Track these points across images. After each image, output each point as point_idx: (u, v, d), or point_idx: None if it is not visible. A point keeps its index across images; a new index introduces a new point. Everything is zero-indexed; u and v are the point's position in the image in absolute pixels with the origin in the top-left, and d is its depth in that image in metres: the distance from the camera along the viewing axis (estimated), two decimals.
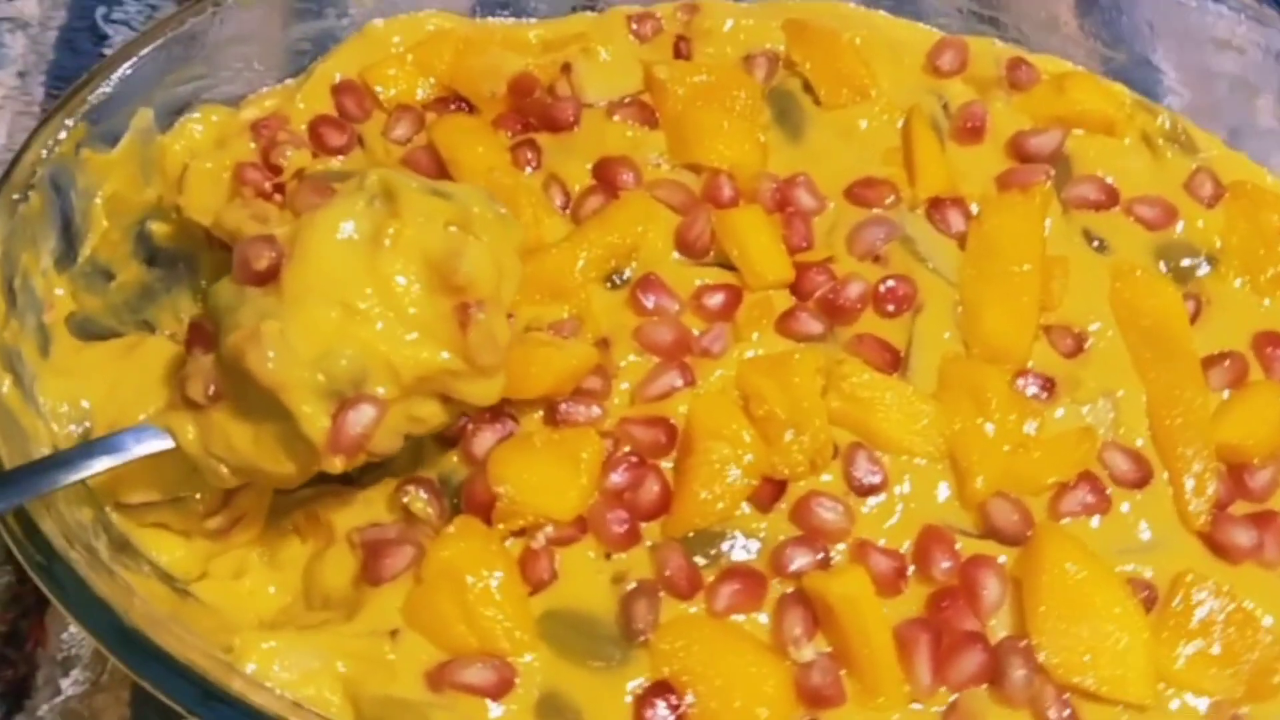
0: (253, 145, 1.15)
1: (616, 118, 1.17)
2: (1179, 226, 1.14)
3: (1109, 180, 1.15)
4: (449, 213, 0.90)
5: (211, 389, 0.91)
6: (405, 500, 0.99)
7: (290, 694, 0.88)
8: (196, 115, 1.16)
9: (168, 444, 0.93)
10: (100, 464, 0.92)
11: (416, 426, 0.92)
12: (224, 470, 0.93)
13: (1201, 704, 0.93)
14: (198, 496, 0.99)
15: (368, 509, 1.01)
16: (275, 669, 0.89)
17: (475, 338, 0.88)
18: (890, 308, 1.07)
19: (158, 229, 1.17)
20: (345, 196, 0.92)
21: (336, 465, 0.88)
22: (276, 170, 1.14)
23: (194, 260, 1.19)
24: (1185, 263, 1.12)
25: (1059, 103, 1.19)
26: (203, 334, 0.97)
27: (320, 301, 0.88)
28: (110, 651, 0.82)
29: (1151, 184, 1.16)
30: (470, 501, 0.97)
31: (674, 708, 0.89)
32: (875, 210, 1.13)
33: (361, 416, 0.88)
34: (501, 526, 0.95)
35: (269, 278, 0.89)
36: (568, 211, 1.13)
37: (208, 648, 0.88)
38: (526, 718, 0.89)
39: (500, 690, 0.90)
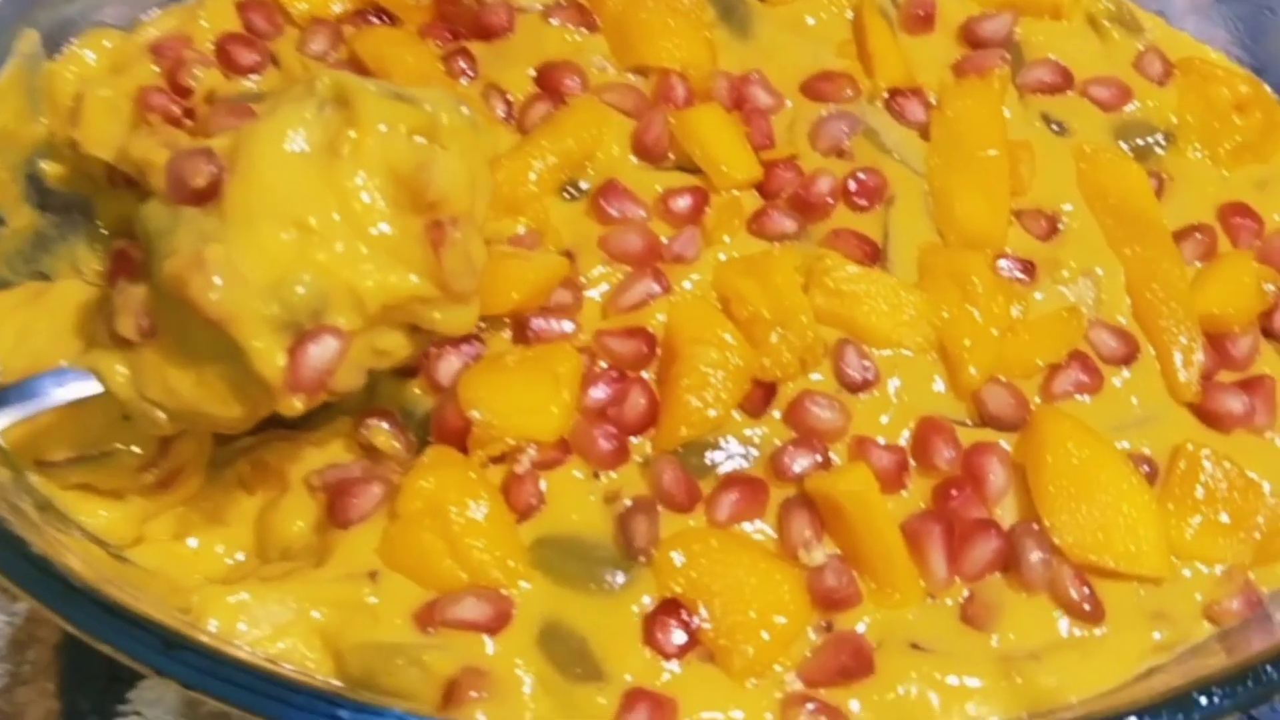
0: (155, 68, 1.05)
1: (554, 21, 1.10)
2: (1133, 106, 1.12)
3: (1061, 62, 1.13)
4: (414, 120, 0.80)
5: (144, 324, 0.80)
6: (367, 434, 0.90)
7: (261, 651, 0.80)
8: (85, 38, 1.05)
9: (94, 387, 0.82)
10: (14, 413, 0.81)
11: (381, 360, 0.83)
12: (160, 416, 0.82)
13: (1213, 572, 0.91)
14: (134, 449, 0.89)
15: (323, 451, 0.93)
16: (241, 626, 0.81)
17: (450, 260, 0.79)
18: (862, 201, 1.03)
19: (50, 169, 1.06)
20: (293, 102, 0.81)
21: (296, 406, 0.79)
22: (185, 93, 1.04)
23: (90, 205, 1.07)
24: (1143, 141, 1.11)
25: None
26: (129, 262, 0.85)
27: (271, 221, 0.78)
28: (56, 611, 0.72)
29: (1102, 65, 1.14)
30: (441, 430, 0.90)
31: (687, 625, 0.84)
32: (834, 105, 1.09)
33: (323, 351, 0.78)
34: (479, 453, 0.88)
35: (208, 196, 0.78)
36: (512, 121, 1.05)
37: (163, 609, 0.79)
38: (528, 650, 0.82)
39: (498, 624, 0.83)
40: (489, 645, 0.83)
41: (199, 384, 0.81)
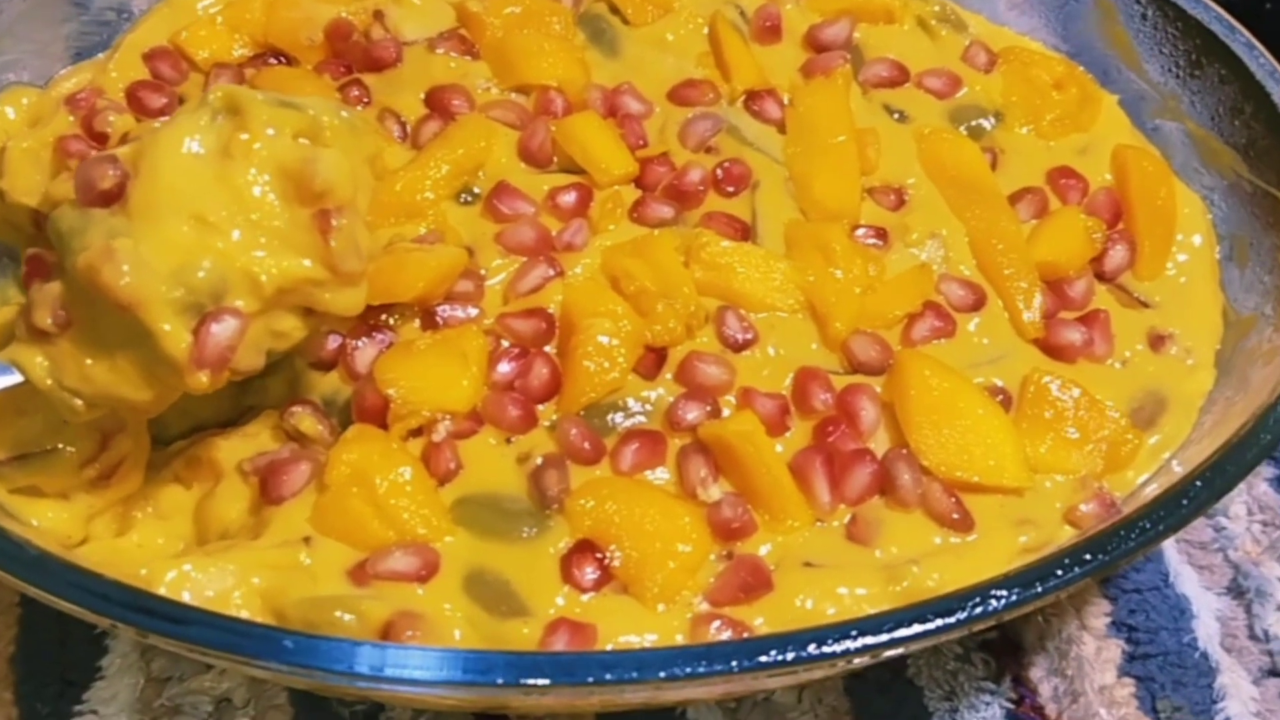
0: (71, 118, 1.13)
1: (439, 51, 1.21)
2: (964, 92, 1.26)
3: (897, 59, 1.26)
4: (298, 123, 0.89)
5: (60, 316, 0.87)
6: (292, 421, 0.98)
7: None
8: (4, 96, 1.13)
9: (15, 378, 0.89)
10: None
11: (278, 341, 0.91)
12: (78, 403, 0.89)
13: (1069, 481, 1.02)
14: (70, 450, 0.95)
15: (252, 442, 1.00)
16: (186, 595, 0.86)
17: (338, 244, 0.87)
18: (730, 188, 1.14)
19: None
20: (188, 113, 0.90)
21: (202, 381, 0.86)
22: (101, 139, 1.12)
23: (17, 251, 1.14)
24: (976, 122, 1.24)
25: None
26: (42, 265, 0.91)
27: (172, 215, 0.86)
28: (25, 580, 0.78)
29: (934, 60, 1.28)
30: (362, 410, 0.97)
31: (600, 562, 0.92)
32: (699, 108, 1.20)
33: (225, 328, 0.86)
34: (398, 427, 0.96)
35: (114, 197, 0.86)
36: (407, 141, 1.15)
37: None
38: (456, 595, 0.90)
39: (427, 573, 0.90)
40: (420, 592, 0.90)
41: (112, 370, 0.88)
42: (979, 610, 0.80)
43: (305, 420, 0.98)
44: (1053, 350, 1.09)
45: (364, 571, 0.89)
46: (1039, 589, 0.83)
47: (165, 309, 0.83)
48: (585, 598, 0.91)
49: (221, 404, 1.08)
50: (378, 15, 1.23)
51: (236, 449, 0.99)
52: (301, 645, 0.76)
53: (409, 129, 1.15)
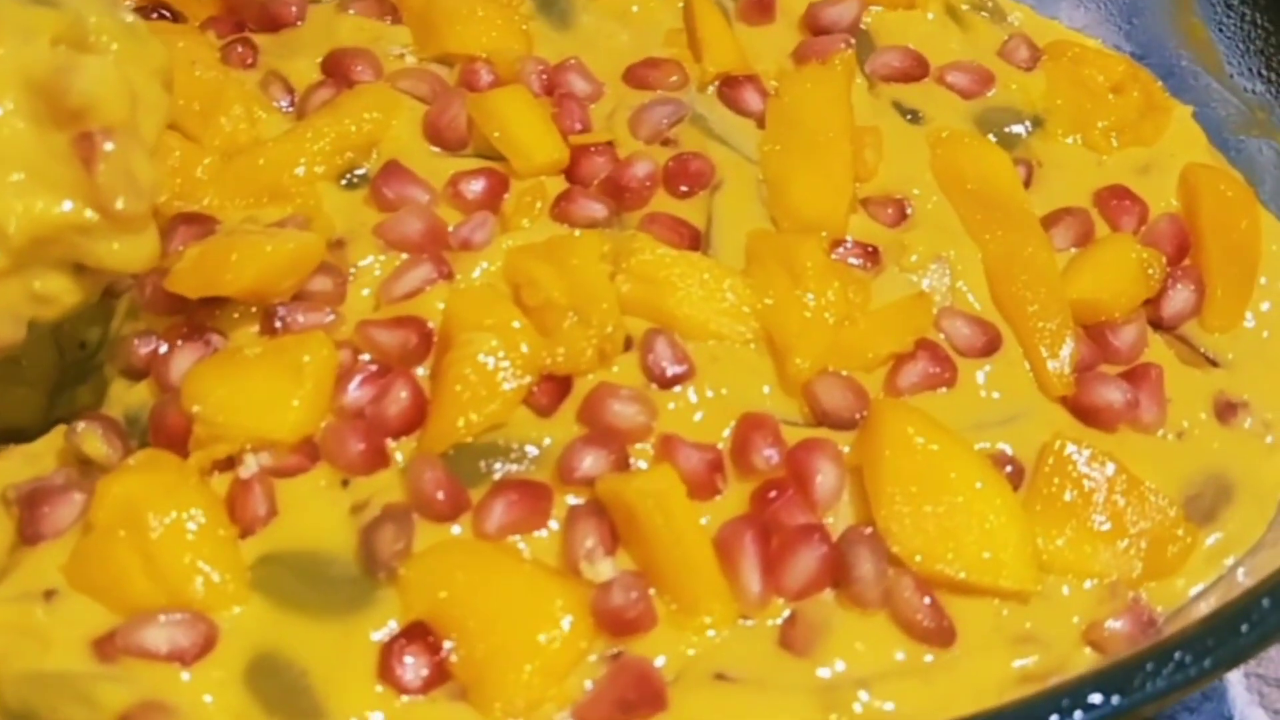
0: None
1: (351, 12, 1.00)
2: (994, 92, 1.01)
3: (915, 49, 1.03)
4: (55, 25, 0.69)
5: None
6: (76, 439, 0.76)
7: None
8: None
9: None
10: None
11: (44, 308, 0.71)
12: None
13: (1093, 587, 0.76)
14: None
15: (33, 463, 0.79)
16: None
17: (105, 174, 0.67)
18: (683, 187, 0.91)
19: None
20: None
21: None
22: None
23: None
24: (1009, 129, 0.99)
25: None
26: None
27: None
28: None
29: (962, 53, 1.04)
30: (160, 431, 0.76)
31: (432, 656, 0.68)
32: (660, 92, 0.98)
33: None
34: (199, 455, 0.74)
35: None
36: (291, 110, 0.94)
37: None
38: (230, 685, 0.67)
39: (196, 653, 0.67)
40: (184, 677, 0.67)
41: None
42: None
43: (90, 439, 0.76)
44: (1085, 413, 0.84)
45: (114, 643, 0.67)
46: None
47: None
48: (404, 701, 0.67)
49: (28, 411, 0.88)
50: None
51: (10, 471, 0.78)
52: None
53: (296, 97, 0.95)
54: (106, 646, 0.68)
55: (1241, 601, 0.66)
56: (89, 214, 0.67)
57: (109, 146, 0.67)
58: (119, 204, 0.67)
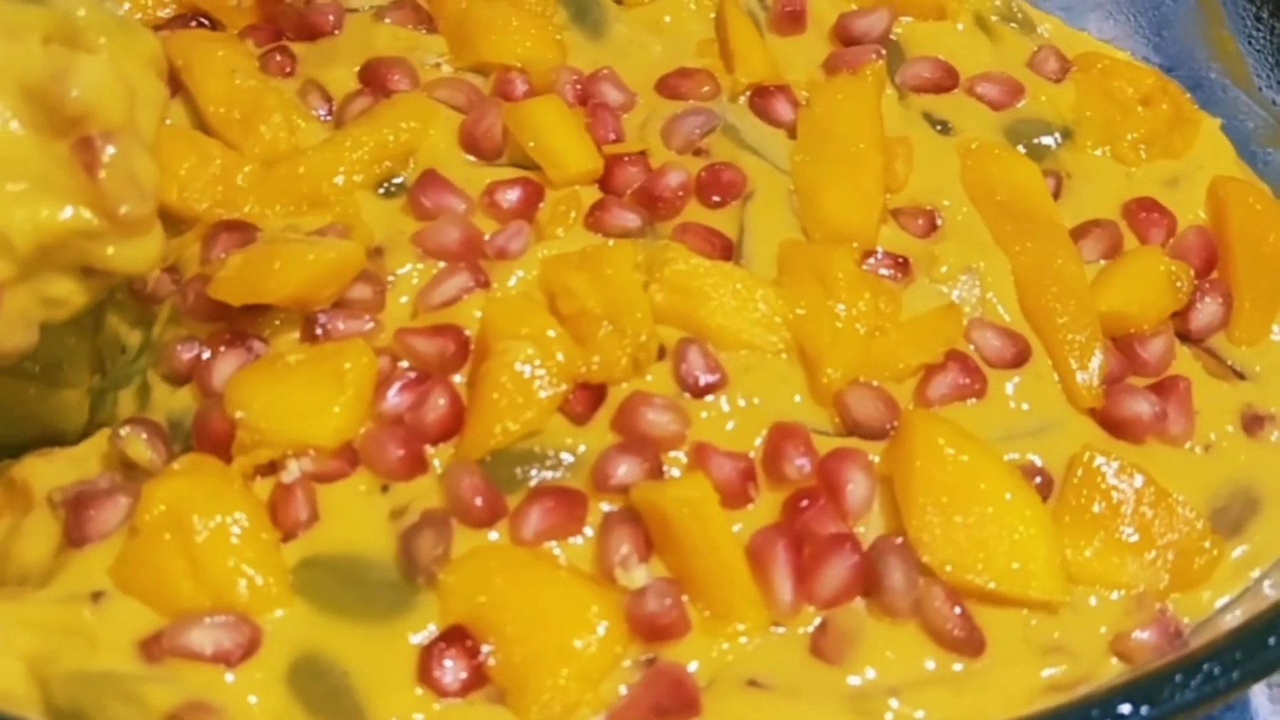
0: None
1: (388, 21, 1.01)
2: (1024, 103, 1.02)
3: (945, 60, 1.03)
4: (45, 23, 0.69)
5: None
6: (120, 444, 0.78)
7: None
8: None
9: None
10: None
11: (54, 310, 0.72)
12: None
13: (1120, 598, 0.77)
14: None
15: (77, 467, 0.80)
16: None
17: (109, 180, 0.67)
18: (715, 197, 0.92)
19: None
20: None
21: None
22: None
23: None
24: (1038, 140, 1.00)
25: None
26: None
27: None
28: None
29: (992, 64, 1.04)
30: (203, 436, 0.77)
31: (471, 660, 0.70)
32: (692, 102, 0.99)
33: None
34: (243, 461, 0.76)
35: None
36: (330, 118, 0.96)
37: None
38: (274, 686, 0.69)
39: (242, 653, 0.69)
40: (229, 678, 0.69)
41: None
42: None
43: (135, 443, 0.77)
44: (1114, 425, 0.84)
45: (160, 644, 0.69)
46: None
47: None
48: (443, 705, 0.69)
49: (70, 415, 0.90)
50: None
51: (55, 474, 0.79)
52: None
53: (334, 106, 0.96)
54: (153, 648, 0.69)
55: (1270, 614, 0.67)
56: (94, 220, 0.68)
57: (110, 151, 0.67)
58: (123, 208, 0.68)
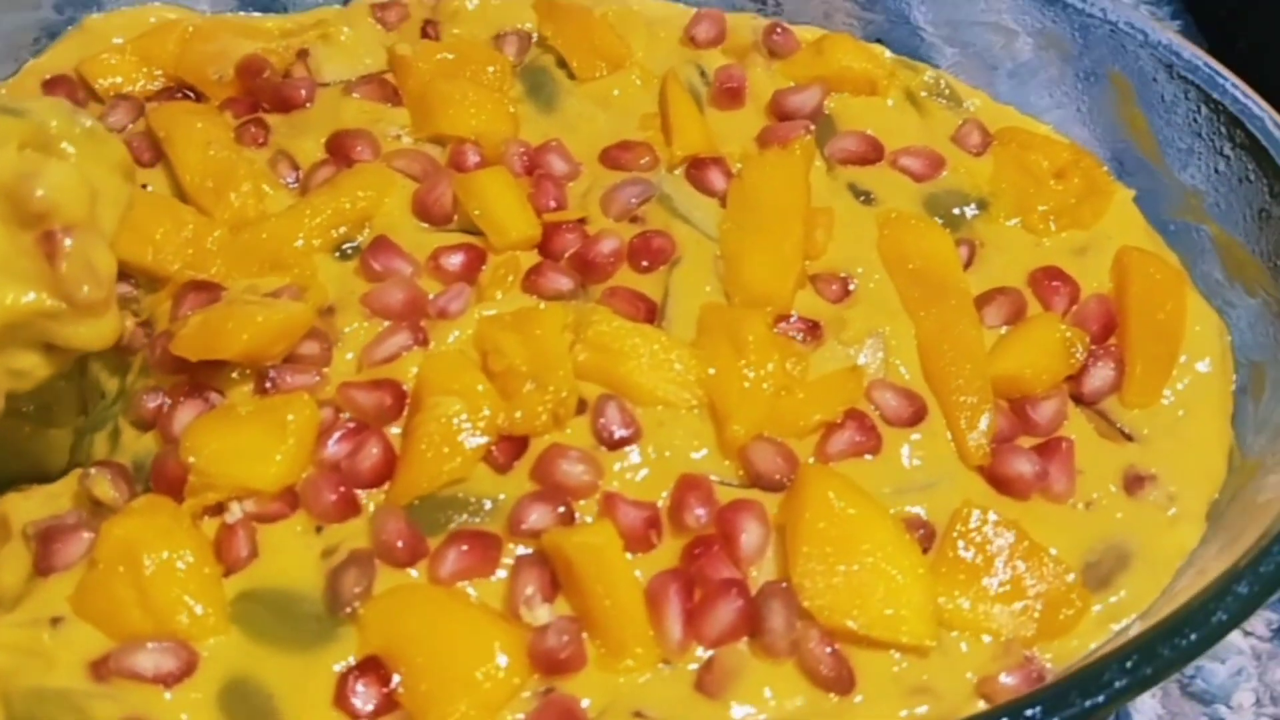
0: None
1: (356, 95, 1.11)
2: (944, 175, 1.09)
3: (872, 134, 1.11)
4: (22, 132, 0.79)
5: None
6: (89, 483, 0.87)
7: None
8: None
9: None
10: None
11: (19, 381, 0.82)
12: None
13: (989, 643, 0.83)
14: None
15: (51, 503, 0.89)
16: None
17: (68, 269, 0.77)
18: (644, 262, 1.00)
19: None
20: None
21: None
22: None
23: None
24: (956, 211, 1.07)
25: (818, 64, 1.14)
26: None
27: None
28: None
29: (918, 138, 1.11)
30: (160, 479, 0.86)
31: (382, 688, 0.77)
32: (632, 173, 1.07)
33: None
34: (192, 502, 0.84)
35: None
36: (296, 186, 1.05)
37: None
38: (207, 705, 0.77)
39: (178, 675, 0.77)
40: (166, 696, 0.77)
41: None
42: None
43: (100, 484, 0.86)
44: (999, 482, 0.91)
45: (107, 665, 0.77)
46: None
47: None
48: None
49: (57, 453, 0.99)
50: (301, 54, 1.14)
51: (31, 508, 0.88)
52: None
53: (301, 174, 1.05)
54: (101, 668, 0.77)
55: (1130, 646, 0.72)
56: (54, 303, 0.78)
57: (68, 243, 0.77)
58: (80, 293, 0.77)
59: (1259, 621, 1.03)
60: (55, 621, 0.79)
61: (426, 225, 1.02)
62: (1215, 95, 1.00)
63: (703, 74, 1.15)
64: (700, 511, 0.85)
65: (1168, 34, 1.03)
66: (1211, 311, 1.01)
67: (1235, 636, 1.02)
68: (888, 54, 1.18)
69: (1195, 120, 1.03)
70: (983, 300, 1.00)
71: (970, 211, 1.07)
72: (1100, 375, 0.96)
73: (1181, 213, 1.06)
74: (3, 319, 0.76)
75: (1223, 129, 1.00)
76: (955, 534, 0.85)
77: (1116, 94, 1.09)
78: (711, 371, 0.92)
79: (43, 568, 0.83)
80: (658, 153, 1.08)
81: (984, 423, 0.92)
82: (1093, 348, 0.98)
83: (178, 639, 0.78)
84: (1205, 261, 1.04)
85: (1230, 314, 1.00)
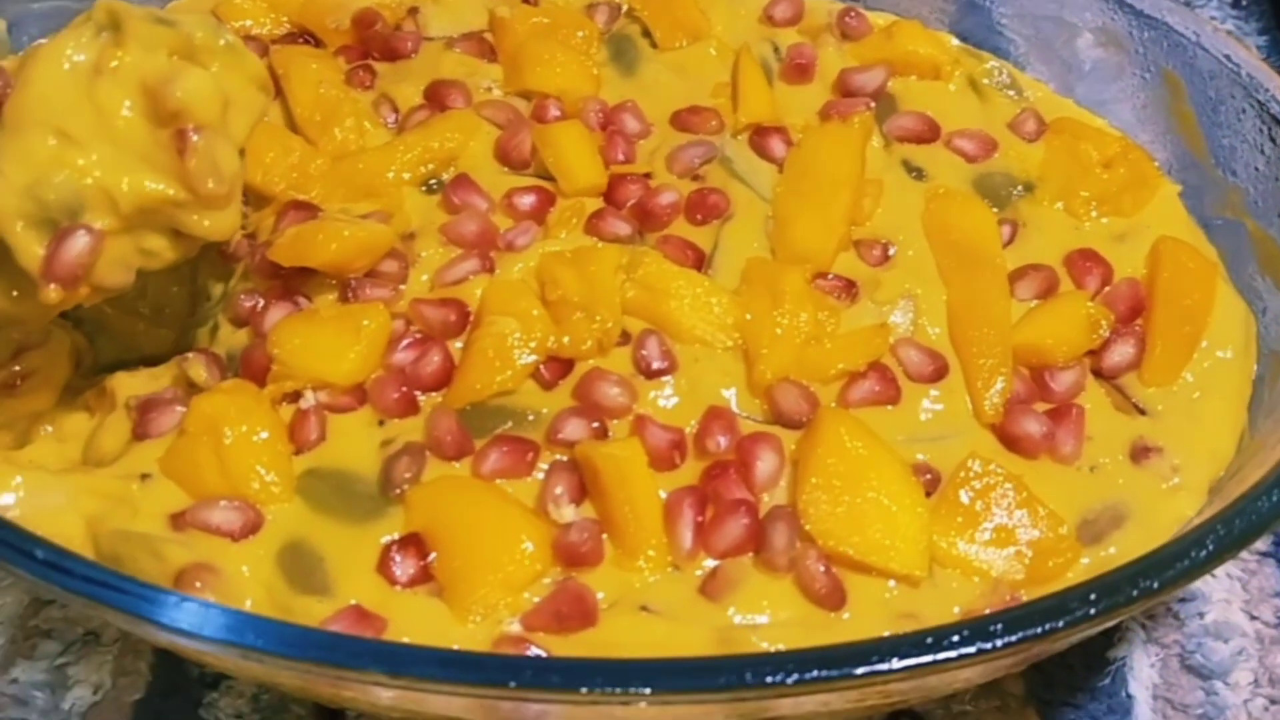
0: None
1: (456, 50, 1.21)
2: (996, 158, 1.14)
3: (930, 115, 1.17)
4: (172, 41, 0.89)
5: None
6: (186, 366, 0.98)
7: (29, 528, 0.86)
8: None
9: None
10: None
11: (148, 260, 0.92)
12: None
13: (979, 583, 0.89)
14: None
15: (153, 382, 1.01)
16: (6, 499, 0.87)
17: (195, 164, 0.87)
18: (699, 216, 1.08)
19: None
20: (74, 28, 0.91)
21: (51, 296, 0.87)
22: None
23: None
24: (1002, 192, 1.12)
25: (887, 48, 1.21)
26: None
27: (36, 129, 0.88)
28: None
29: (976, 122, 1.17)
30: (247, 366, 0.97)
31: (420, 561, 0.87)
32: (698, 135, 1.15)
33: (75, 245, 0.87)
34: (272, 388, 0.95)
35: None
36: (394, 126, 1.16)
37: None
38: (265, 560, 0.87)
39: (243, 532, 0.88)
40: (232, 549, 0.88)
41: None
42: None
43: (195, 367, 0.98)
44: (1009, 440, 0.96)
45: (185, 518, 0.88)
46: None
47: (18, 220, 0.86)
48: (394, 591, 0.86)
49: (165, 346, 1.11)
50: (412, 11, 1.25)
51: (135, 385, 1.00)
52: (52, 557, 0.75)
53: (400, 116, 1.16)
54: (179, 520, 0.88)
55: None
56: (180, 193, 0.88)
57: (197, 141, 0.87)
58: (206, 186, 0.87)
59: (1267, 608, 1.06)
60: (144, 477, 0.91)
61: (505, 169, 1.12)
62: (1259, 97, 1.04)
63: (776, 50, 1.23)
64: (722, 439, 0.93)
65: (1220, 35, 1.07)
66: (1241, 303, 1.05)
67: (1241, 619, 1.05)
68: (954, 41, 1.24)
69: (1239, 119, 1.07)
70: (1017, 275, 1.06)
71: (1017, 193, 1.12)
72: (1120, 351, 1.01)
73: (1225, 209, 1.10)
74: (136, 202, 0.87)
75: (1265, 128, 1.04)
76: (958, 480, 0.92)
77: (1168, 92, 1.13)
78: (748, 317, 1.00)
79: (139, 433, 0.94)
80: (725, 119, 1.16)
81: (1000, 384, 0.97)
82: (1118, 326, 1.03)
83: (248, 502, 0.89)
84: (1243, 256, 1.07)
85: (1259, 306, 1.04)
